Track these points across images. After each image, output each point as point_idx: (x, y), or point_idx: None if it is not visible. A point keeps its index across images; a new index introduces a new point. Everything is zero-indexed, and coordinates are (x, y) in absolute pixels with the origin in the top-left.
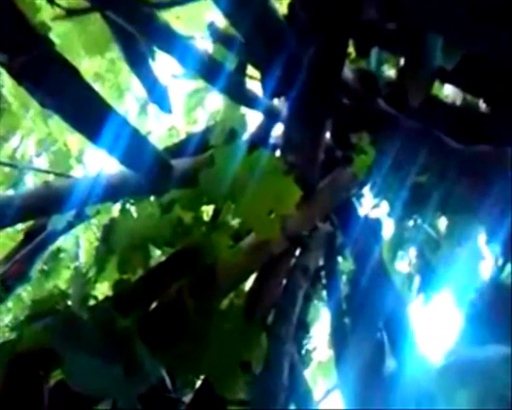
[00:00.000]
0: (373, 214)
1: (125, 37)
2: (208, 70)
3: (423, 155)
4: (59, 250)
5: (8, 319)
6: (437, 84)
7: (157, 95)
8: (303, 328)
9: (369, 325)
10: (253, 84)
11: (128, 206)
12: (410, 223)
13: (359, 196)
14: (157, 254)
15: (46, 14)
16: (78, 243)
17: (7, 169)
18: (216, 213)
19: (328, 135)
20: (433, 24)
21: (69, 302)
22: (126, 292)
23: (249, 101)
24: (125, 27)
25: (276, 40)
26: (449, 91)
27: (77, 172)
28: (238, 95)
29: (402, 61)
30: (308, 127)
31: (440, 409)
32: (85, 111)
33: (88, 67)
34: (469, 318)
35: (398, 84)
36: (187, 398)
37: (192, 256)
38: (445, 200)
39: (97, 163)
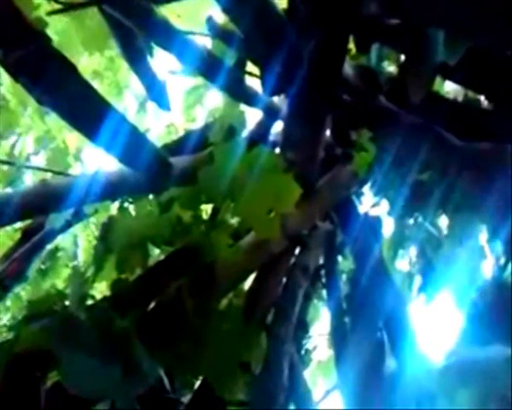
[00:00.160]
0: (373, 213)
1: (122, 32)
2: (207, 66)
3: (424, 152)
4: (57, 249)
5: (6, 318)
6: (438, 80)
7: (155, 92)
8: (303, 327)
9: (369, 325)
10: (253, 81)
11: (126, 204)
12: (411, 221)
13: (359, 194)
14: (156, 253)
15: (44, 10)
16: (77, 241)
17: (5, 167)
18: (215, 211)
19: (327, 132)
20: (435, 18)
21: (67, 302)
22: (125, 292)
23: (248, 98)
24: (123, 22)
25: (275, 35)
26: (450, 88)
27: (75, 170)
28: (237, 92)
29: (402, 57)
30: (308, 124)
31: (441, 409)
32: (83, 109)
33: (87, 64)
34: (470, 317)
35: (399, 80)
36: (186, 398)
37: (191, 255)
38: (447, 198)
39: (96, 161)
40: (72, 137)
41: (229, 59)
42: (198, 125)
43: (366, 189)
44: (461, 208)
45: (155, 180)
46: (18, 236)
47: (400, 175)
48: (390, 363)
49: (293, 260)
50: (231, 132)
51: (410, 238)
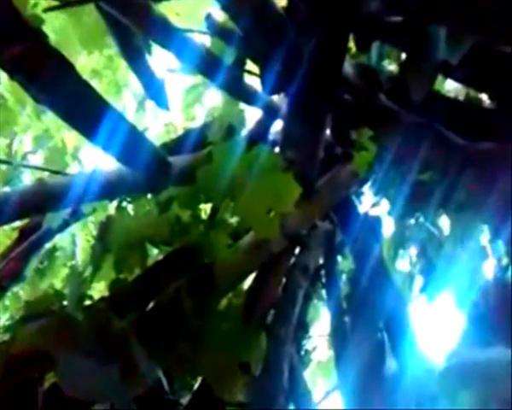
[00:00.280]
0: (373, 212)
1: (120, 30)
2: (206, 65)
3: (425, 152)
4: (55, 249)
5: (5, 317)
6: (439, 78)
7: (154, 90)
8: (302, 328)
9: (370, 325)
10: (252, 80)
11: (125, 204)
12: (412, 221)
13: (359, 194)
14: (154, 253)
15: (41, 7)
16: (75, 241)
17: (3, 166)
18: (214, 211)
19: (327, 131)
20: (437, 15)
21: (64, 302)
22: (123, 292)
23: (248, 96)
24: (121, 20)
25: (275, 33)
26: (451, 86)
27: (73, 169)
28: (236, 90)
29: (403, 56)
30: (308, 123)
31: None
32: (81, 107)
33: (85, 63)
34: (472, 319)
35: (400, 78)
36: (185, 400)
37: (190, 255)
38: (448, 197)
39: (94, 160)
40: (71, 136)
41: (229, 57)
42: (197, 124)
43: (366, 188)
44: (462, 208)
45: (154, 179)
46: (16, 235)
47: (401, 174)
48: (390, 364)
49: (292, 260)
50: (230, 131)
51: (411, 238)
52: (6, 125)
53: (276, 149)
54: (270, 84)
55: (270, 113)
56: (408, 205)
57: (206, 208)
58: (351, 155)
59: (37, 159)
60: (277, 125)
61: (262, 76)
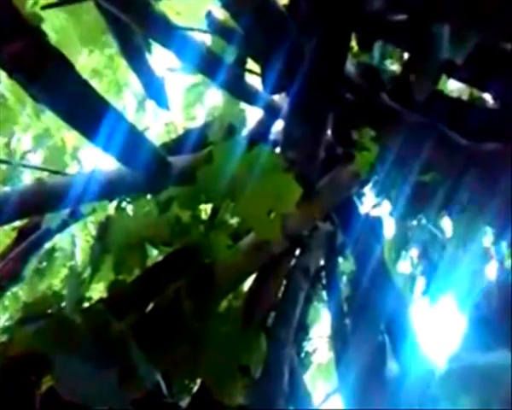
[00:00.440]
0: (374, 213)
1: (120, 28)
2: (206, 64)
3: (428, 152)
4: (54, 249)
5: (4, 318)
6: (441, 78)
7: (154, 90)
8: (303, 330)
9: (371, 327)
10: (253, 79)
11: (124, 204)
12: (414, 223)
13: (360, 195)
14: (154, 254)
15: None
16: (75, 241)
17: (3, 166)
18: (214, 211)
19: (329, 131)
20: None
21: (63, 304)
22: (122, 293)
23: (249, 96)
24: (121, 18)
25: (276, 32)
26: (454, 86)
27: (72, 169)
28: (237, 89)
29: (406, 55)
30: (309, 123)
31: None
32: (81, 108)
33: (86, 62)
34: (474, 321)
35: (403, 78)
36: (184, 402)
37: (190, 256)
38: (450, 199)
39: (94, 160)
40: (71, 136)
41: (229, 56)
42: (198, 123)
43: (367, 189)
44: (465, 210)
45: (154, 180)
46: (15, 234)
47: (403, 175)
48: (392, 366)
49: (293, 261)
50: (231, 131)
51: (413, 240)
52: (6, 124)
53: (277, 150)
54: (272, 83)
55: (271, 112)
56: (410, 206)
57: (206, 209)
58: (352, 155)
59: (38, 158)
60: (278, 125)
61: (263, 75)
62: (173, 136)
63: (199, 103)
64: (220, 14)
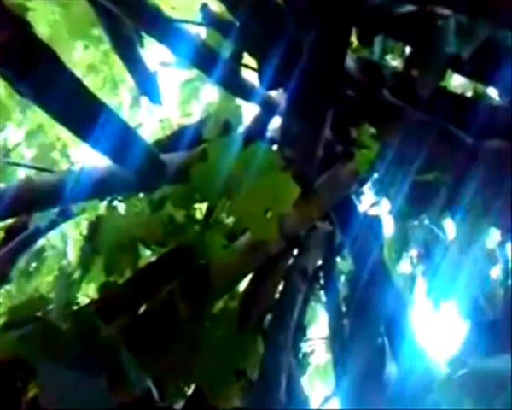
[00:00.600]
0: (373, 212)
1: (111, 20)
2: (201, 58)
3: (431, 150)
4: (43, 249)
5: None
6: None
7: (146, 85)
8: (300, 330)
9: (370, 328)
10: (250, 74)
11: (116, 203)
12: (415, 223)
13: (359, 194)
14: (147, 255)
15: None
16: (67, 240)
17: None
18: (209, 210)
19: (327, 129)
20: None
21: (51, 307)
22: (113, 295)
23: (245, 92)
24: (111, 10)
25: (273, 26)
26: (457, 82)
27: (63, 166)
28: (233, 85)
29: (408, 50)
30: (307, 120)
31: None
32: (74, 106)
33: (82, 58)
34: (477, 325)
35: (405, 73)
36: (178, 406)
37: (184, 257)
38: (454, 198)
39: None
40: (65, 132)
41: (225, 50)
42: (193, 120)
43: (366, 188)
44: (469, 210)
45: (146, 178)
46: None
47: (404, 173)
48: (391, 369)
49: (290, 261)
50: (227, 128)
51: (415, 240)
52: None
53: (274, 147)
54: (269, 78)
55: (268, 109)
56: (412, 206)
57: (201, 208)
58: (351, 153)
59: (30, 154)
60: (275, 122)
61: (260, 70)
62: (168, 132)
63: (194, 99)
64: (216, 6)
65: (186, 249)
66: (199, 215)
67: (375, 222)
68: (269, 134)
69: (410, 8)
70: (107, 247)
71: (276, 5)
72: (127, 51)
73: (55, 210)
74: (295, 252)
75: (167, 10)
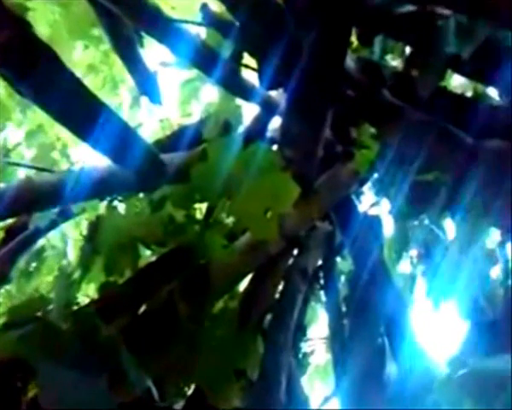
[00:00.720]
0: (373, 212)
1: (110, 20)
2: (201, 58)
3: (432, 150)
4: (43, 249)
5: None
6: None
7: (146, 85)
8: (300, 330)
9: (370, 328)
10: (250, 74)
11: (116, 203)
12: (415, 223)
13: (359, 194)
14: (146, 255)
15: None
16: (66, 240)
17: None
18: (209, 211)
19: (327, 129)
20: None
21: (50, 307)
22: (113, 295)
23: (245, 92)
24: (111, 10)
25: (273, 25)
26: (457, 82)
27: (63, 166)
28: (233, 85)
29: (408, 50)
30: (307, 120)
31: None
32: (74, 106)
33: (82, 58)
34: (477, 325)
35: (405, 73)
36: (178, 405)
37: (184, 257)
38: (454, 198)
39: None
40: (65, 132)
41: (225, 50)
42: (193, 120)
43: (366, 188)
44: (469, 210)
45: (146, 178)
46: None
47: (405, 174)
48: (391, 369)
49: (290, 261)
50: (227, 128)
51: (415, 240)
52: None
53: (274, 147)
54: (269, 78)
55: (268, 109)
56: (412, 206)
57: (201, 208)
58: (351, 153)
59: (30, 154)
60: (275, 122)
61: (260, 70)
62: (168, 132)
63: (194, 99)
64: (216, 6)
65: (186, 249)
66: (199, 215)
67: (375, 222)
68: (269, 134)
69: (410, 8)
70: (107, 247)
71: (276, 5)
72: (127, 51)
73: (55, 210)
74: (295, 252)
75: (167, 10)
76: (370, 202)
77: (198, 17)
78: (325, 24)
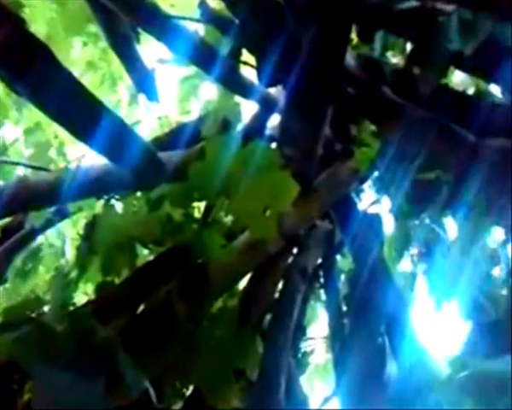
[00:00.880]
0: (373, 210)
1: (107, 17)
2: (200, 55)
3: (433, 148)
4: (39, 249)
5: None
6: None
7: (144, 82)
8: (300, 330)
9: (370, 327)
10: (248, 71)
11: (113, 201)
12: (416, 222)
13: (359, 192)
14: (144, 254)
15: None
16: (64, 239)
17: None
18: (208, 209)
19: (327, 126)
20: None
21: (46, 308)
22: (110, 295)
23: (244, 89)
24: (107, 6)
25: (272, 22)
26: (458, 79)
27: (60, 164)
28: (232, 82)
29: (409, 46)
30: (307, 118)
31: None
32: (72, 106)
33: (80, 55)
34: (479, 325)
35: (406, 70)
36: (177, 406)
37: (182, 256)
38: (455, 197)
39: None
40: (63, 131)
41: (224, 47)
42: (192, 117)
43: (366, 186)
44: (471, 208)
45: (144, 176)
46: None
47: (406, 172)
48: (391, 369)
49: (290, 260)
50: (225, 126)
51: (416, 239)
52: None
53: (274, 145)
54: (268, 76)
55: (267, 106)
56: (413, 204)
57: (199, 207)
58: (351, 151)
59: (28, 152)
60: (274, 120)
61: (259, 67)
62: (166, 130)
63: (193, 97)
64: (214, 3)
65: (184, 249)
66: (197, 214)
67: (375, 220)
68: (268, 132)
69: (411, 3)
70: (104, 246)
71: (275, 2)
72: (124, 49)
73: (52, 209)
74: (295, 251)
75: (166, 7)
76: (371, 201)
77: (196, 14)
78: (325, 20)
